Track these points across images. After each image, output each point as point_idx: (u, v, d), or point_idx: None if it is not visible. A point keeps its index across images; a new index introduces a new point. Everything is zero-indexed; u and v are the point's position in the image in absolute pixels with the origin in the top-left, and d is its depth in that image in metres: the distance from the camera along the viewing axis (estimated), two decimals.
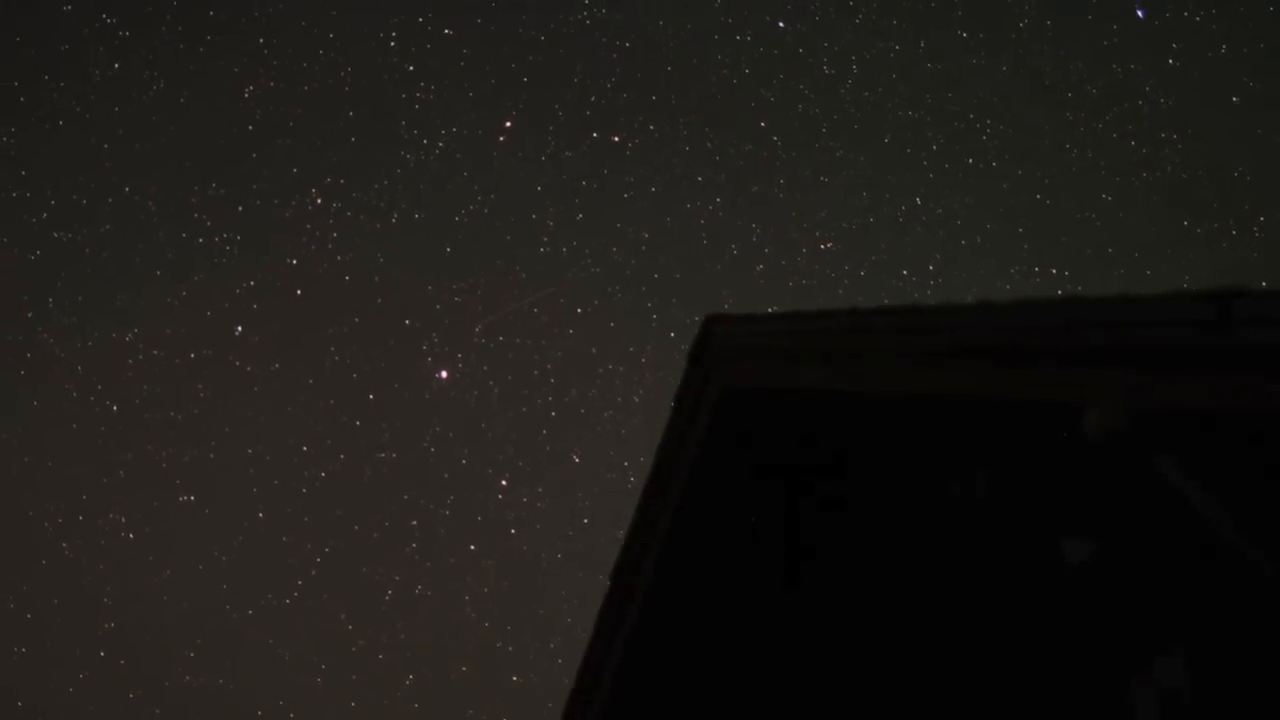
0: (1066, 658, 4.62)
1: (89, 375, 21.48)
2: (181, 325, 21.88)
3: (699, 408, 5.48)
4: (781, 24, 21.43)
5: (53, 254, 21.50)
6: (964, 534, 5.15)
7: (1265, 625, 3.76)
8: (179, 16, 21.27)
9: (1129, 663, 4.23)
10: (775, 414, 5.46)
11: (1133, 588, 4.32)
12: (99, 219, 21.56)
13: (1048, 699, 4.71)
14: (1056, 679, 4.65)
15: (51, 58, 21.19)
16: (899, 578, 5.46)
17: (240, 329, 21.64)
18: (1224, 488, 3.49)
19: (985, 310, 3.92)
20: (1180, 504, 3.55)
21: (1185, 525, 3.71)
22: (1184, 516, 3.62)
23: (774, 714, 5.85)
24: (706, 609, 5.84)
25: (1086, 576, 4.51)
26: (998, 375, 3.88)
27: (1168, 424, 3.47)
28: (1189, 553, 3.95)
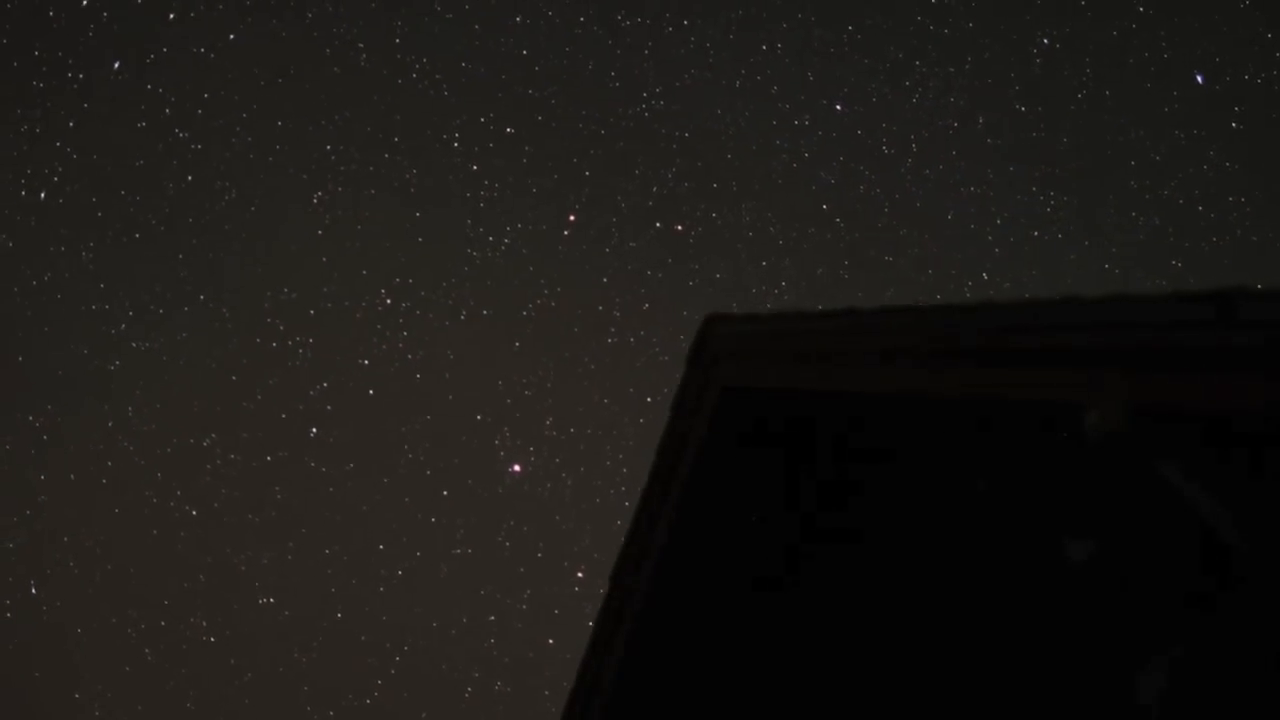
0: (1066, 658, 4.61)
1: (168, 481, 21.87)
2: (257, 429, 22.32)
3: (699, 408, 5.47)
4: (839, 107, 21.61)
5: (131, 363, 22.17)
6: (964, 534, 5.14)
7: (1265, 625, 3.75)
8: (248, 128, 21.88)
9: (1128, 663, 4.23)
10: (775, 414, 5.45)
11: (1133, 588, 4.31)
12: (175, 328, 22.29)
13: (1048, 699, 4.70)
14: (1056, 679, 4.65)
15: (127, 172, 21.84)
16: (899, 578, 5.46)
17: (315, 430, 22.06)
18: (1224, 488, 3.48)
19: (985, 310, 3.92)
20: (1180, 505, 3.55)
21: (1185, 526, 3.70)
22: (1184, 517, 3.61)
23: (775, 714, 5.85)
24: (706, 609, 5.84)
25: (1086, 577, 4.50)
26: (997, 375, 3.88)
27: (1168, 424, 3.47)
28: (1189, 553, 3.95)
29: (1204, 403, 3.22)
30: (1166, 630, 4.10)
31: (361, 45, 21.90)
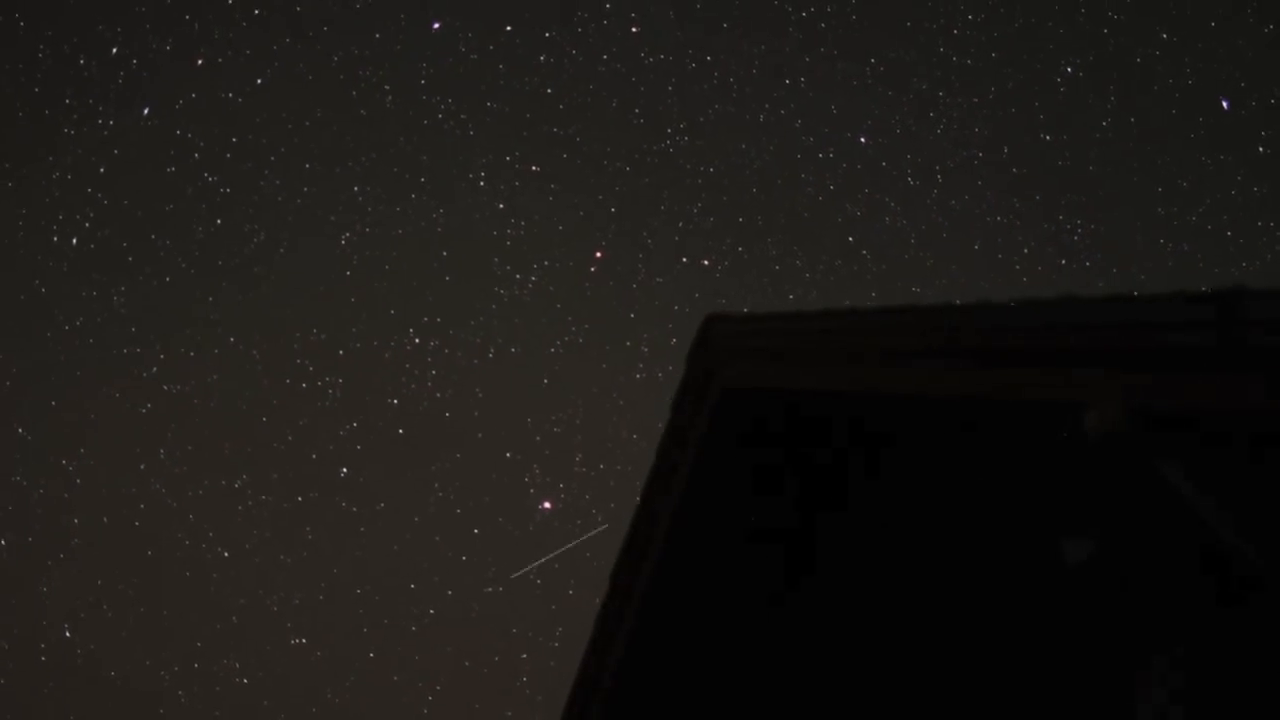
0: (1066, 657, 4.61)
1: (200, 523, 22.09)
2: (288, 470, 22.57)
3: (699, 408, 5.47)
4: (863, 139, 21.66)
5: (163, 406, 22.18)
6: (964, 534, 5.14)
7: (1265, 626, 3.75)
8: (276, 171, 22.04)
9: (1129, 663, 4.23)
10: (775, 414, 5.45)
11: (1133, 588, 4.31)
12: (206, 370, 22.35)
13: (1048, 698, 4.70)
14: (1056, 679, 4.65)
15: (157, 217, 22.05)
16: (899, 577, 5.46)
17: (345, 470, 22.28)
18: (1224, 488, 3.48)
19: (984, 310, 3.92)
20: (1180, 504, 3.55)
21: (1185, 526, 3.70)
22: (1184, 517, 3.61)
23: (774, 712, 5.85)
24: (706, 608, 5.84)
25: (1086, 576, 4.50)
26: (998, 375, 3.88)
27: (1168, 424, 3.47)
28: (1189, 553, 3.95)
29: (1204, 403, 3.22)
30: (1166, 630, 4.10)
31: (388, 87, 22.13)
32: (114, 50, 20.93)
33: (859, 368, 4.54)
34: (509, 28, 21.72)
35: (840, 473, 5.62)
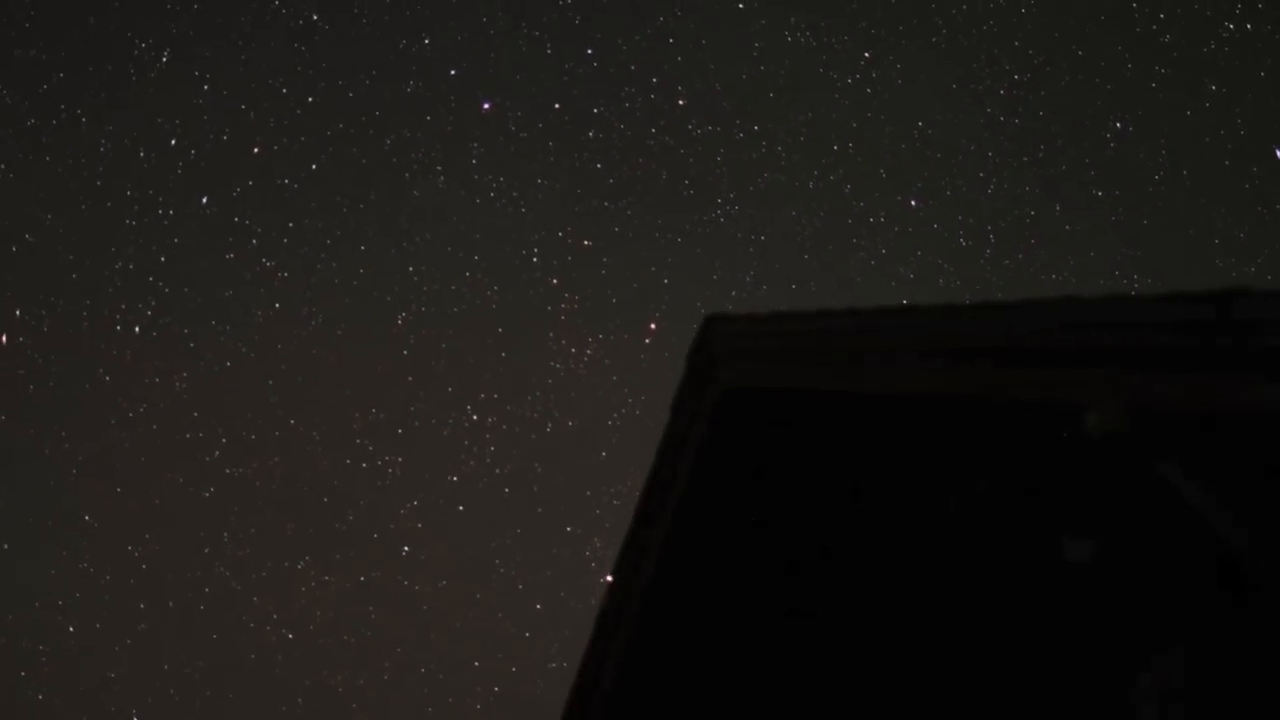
0: (1067, 656, 4.62)
1: (264, 605, 22.24)
2: (350, 549, 22.77)
3: (699, 408, 5.47)
4: (914, 202, 21.74)
5: (225, 489, 22.56)
6: (965, 533, 5.14)
7: (1264, 626, 3.75)
8: (332, 254, 22.51)
9: (1129, 662, 4.23)
10: (775, 414, 5.45)
11: (1133, 587, 4.32)
12: (267, 453, 22.69)
13: (1048, 697, 4.70)
14: (1057, 677, 4.65)
15: (216, 303, 22.45)
16: (900, 576, 5.46)
17: (407, 549, 22.44)
18: (1224, 488, 3.48)
19: (985, 310, 3.92)
20: (1180, 504, 3.55)
21: (1185, 525, 3.70)
22: (1184, 517, 3.61)
23: (775, 712, 5.85)
24: (707, 608, 5.84)
25: (1087, 576, 4.51)
26: (998, 375, 3.88)
27: (1168, 424, 3.47)
28: (1189, 553, 3.95)
29: (1204, 403, 3.22)
30: (1167, 630, 4.10)
31: (440, 168, 22.49)
32: (172, 142, 21.55)
33: (859, 368, 4.54)
34: (557, 105, 22.07)
35: (841, 473, 5.62)
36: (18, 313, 21.58)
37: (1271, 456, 3.45)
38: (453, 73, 22.10)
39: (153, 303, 21.75)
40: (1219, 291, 3.11)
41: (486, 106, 22.12)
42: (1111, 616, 4.41)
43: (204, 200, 21.69)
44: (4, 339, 21.45)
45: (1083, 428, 3.59)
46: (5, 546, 21.59)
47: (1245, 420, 3.36)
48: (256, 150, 21.72)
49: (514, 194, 22.34)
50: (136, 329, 21.68)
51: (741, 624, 5.86)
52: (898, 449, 5.40)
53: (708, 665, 5.90)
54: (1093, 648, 4.50)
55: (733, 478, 5.62)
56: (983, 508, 5.03)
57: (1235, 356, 3.08)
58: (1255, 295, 3.05)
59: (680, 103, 22.13)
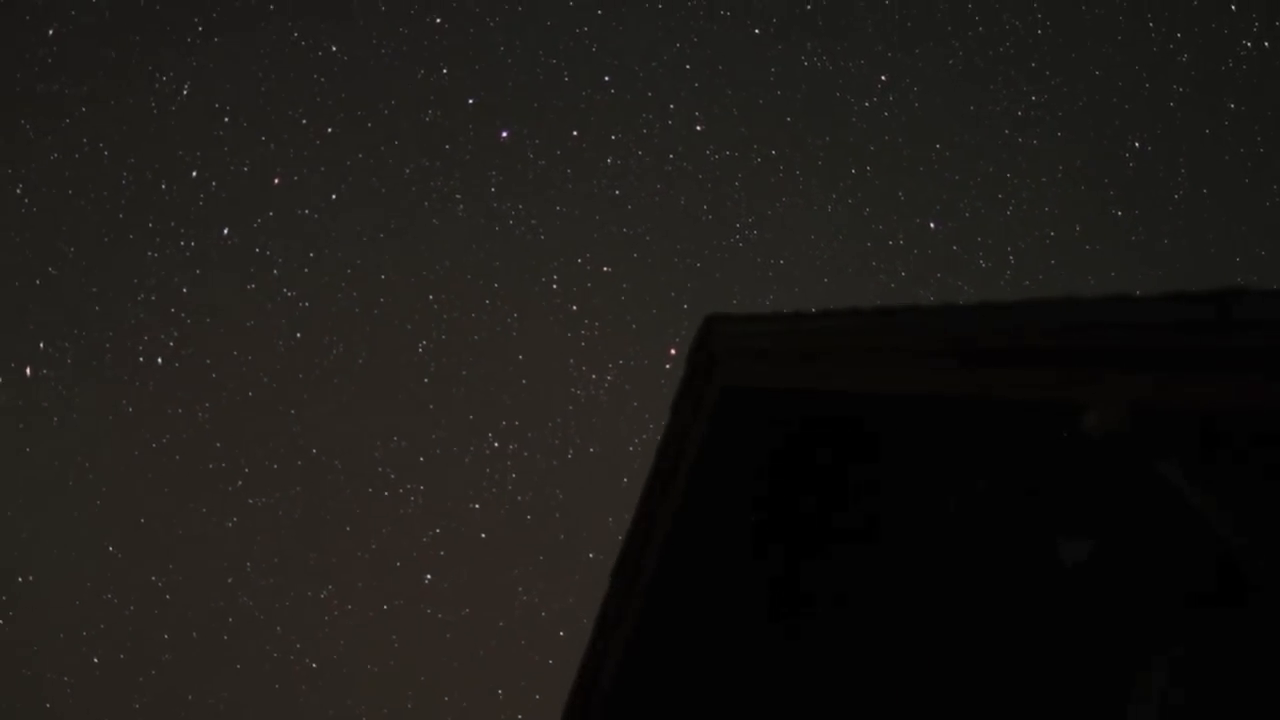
0: (1066, 656, 4.62)
1: (287, 635, 22.29)
2: (372, 578, 22.79)
3: (699, 408, 5.47)
4: (933, 225, 21.74)
5: (248, 519, 22.62)
6: (964, 533, 5.14)
7: (1264, 626, 3.75)
8: (353, 283, 22.62)
9: (1128, 662, 4.23)
10: (775, 414, 5.45)
11: (1132, 587, 4.32)
12: (289, 482, 22.78)
13: (1047, 698, 4.70)
14: (1056, 678, 4.65)
15: (238, 333, 22.57)
16: (900, 577, 5.46)
17: (429, 577, 22.49)
18: (1224, 488, 3.48)
19: (985, 310, 3.92)
20: (1180, 504, 3.55)
21: (1185, 525, 3.70)
22: (1184, 517, 3.61)
23: (775, 712, 5.85)
24: (707, 608, 5.84)
25: (1086, 576, 4.51)
26: (998, 375, 3.88)
27: (1168, 424, 3.47)
28: (1189, 553, 3.95)
29: (1204, 403, 3.22)
30: (1166, 630, 4.10)
31: (459, 196, 22.62)
32: (194, 174, 21.75)
33: (860, 368, 4.54)
34: (575, 132, 22.13)
35: (841, 473, 5.62)
36: (41, 345, 21.81)
37: (1271, 456, 3.45)
38: (470, 102, 22.27)
39: (175, 334, 22.03)
40: (1219, 291, 3.10)
41: (504, 135, 22.31)
42: (1111, 617, 4.41)
43: (225, 231, 21.93)
44: (28, 372, 21.72)
45: (1083, 428, 3.59)
46: (30, 578, 21.80)
47: (1245, 420, 3.36)
48: (277, 181, 21.94)
49: (532, 221, 22.45)
50: (159, 360, 21.92)
51: (741, 624, 5.86)
52: (897, 449, 5.40)
53: (708, 665, 5.89)
54: (1092, 648, 4.50)
55: (733, 477, 5.62)
56: (983, 508, 5.03)
57: (1235, 356, 3.08)
58: (1255, 295, 3.05)
59: (698, 128, 22.22)
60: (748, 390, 5.30)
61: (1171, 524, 3.87)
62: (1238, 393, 3.10)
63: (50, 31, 21.23)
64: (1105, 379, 3.47)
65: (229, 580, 22.11)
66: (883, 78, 21.64)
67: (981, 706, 4.96)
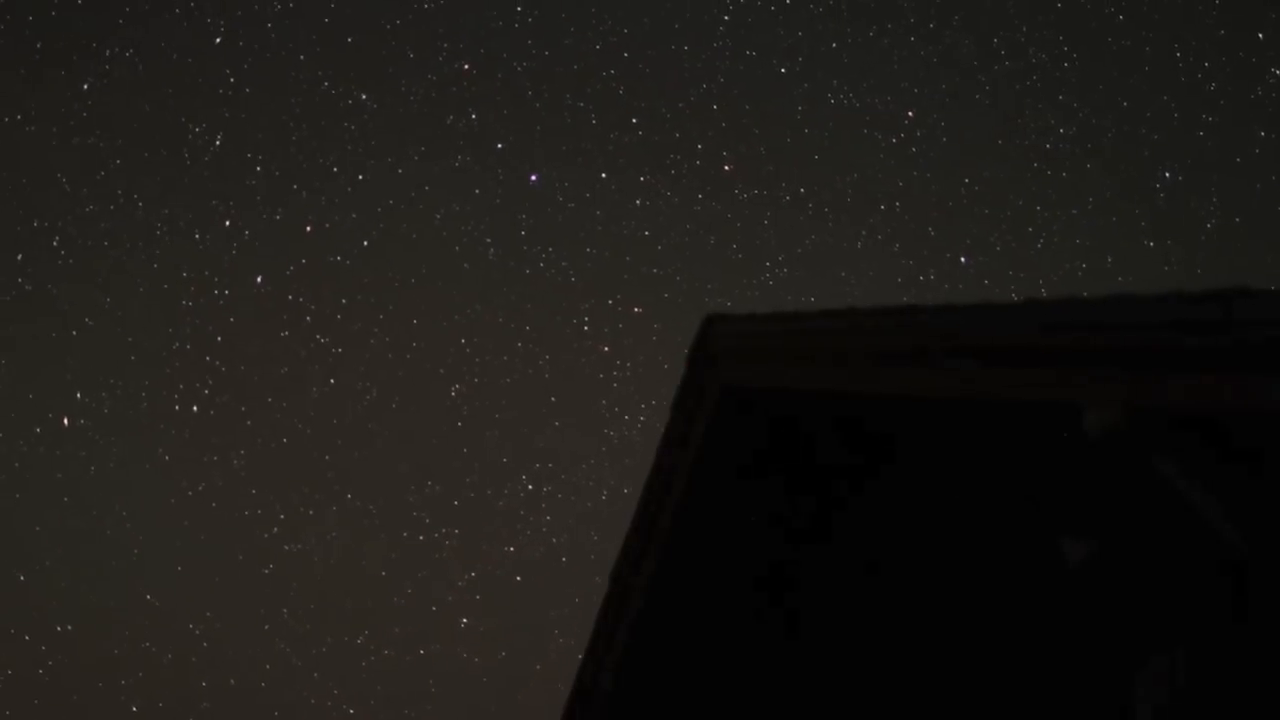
0: (1066, 656, 4.62)
1: (324, 680, 22.36)
2: (409, 624, 22.82)
3: (699, 408, 5.47)
4: (964, 259, 21.92)
5: (284, 566, 22.77)
6: (965, 534, 5.14)
7: (1264, 626, 3.75)
8: (385, 329, 22.78)
9: (1128, 663, 4.23)
10: (775, 414, 5.46)
11: (1132, 588, 4.32)
12: (325, 528, 22.92)
13: (1048, 698, 4.70)
14: (1056, 678, 4.65)
15: (272, 380, 22.81)
16: (899, 577, 5.46)
17: (465, 621, 22.59)
18: (1224, 488, 3.48)
19: (984, 310, 3.92)
20: (1180, 504, 3.55)
21: (1185, 525, 3.70)
22: (1184, 517, 3.61)
23: (774, 713, 5.85)
24: (706, 609, 5.84)
25: (1086, 576, 4.51)
26: (998, 375, 3.88)
27: (1168, 424, 3.47)
28: (1189, 553, 3.95)
29: (1204, 403, 3.22)
30: (1166, 630, 4.10)
31: (489, 240, 22.72)
32: (227, 223, 22.08)
33: (859, 368, 4.54)
34: (604, 175, 22.22)
35: (841, 473, 5.62)
36: (78, 395, 22.03)
37: (1272, 456, 3.45)
38: (499, 146, 22.48)
39: (210, 382, 22.22)
40: (1219, 291, 3.10)
41: (534, 179, 22.49)
42: (1110, 617, 4.41)
43: (258, 279, 22.18)
44: (65, 422, 21.80)
45: (1082, 428, 3.59)
46: (69, 627, 21.79)
47: (1245, 420, 3.36)
48: (309, 229, 22.16)
49: (563, 264, 22.54)
50: (194, 408, 22.14)
51: (741, 624, 5.86)
52: (897, 448, 5.40)
53: (708, 665, 5.90)
54: (1091, 648, 4.50)
55: (733, 477, 5.62)
56: (982, 507, 5.03)
57: (1235, 356, 3.08)
58: (1255, 295, 3.05)
59: (726, 168, 22.26)
60: (748, 390, 5.30)
61: (1171, 524, 3.87)
62: (1237, 393, 3.10)
63: (85, 86, 21.58)
64: (1105, 379, 3.47)
65: (266, 627, 22.25)
66: (909, 114, 21.68)
67: (981, 706, 4.96)
